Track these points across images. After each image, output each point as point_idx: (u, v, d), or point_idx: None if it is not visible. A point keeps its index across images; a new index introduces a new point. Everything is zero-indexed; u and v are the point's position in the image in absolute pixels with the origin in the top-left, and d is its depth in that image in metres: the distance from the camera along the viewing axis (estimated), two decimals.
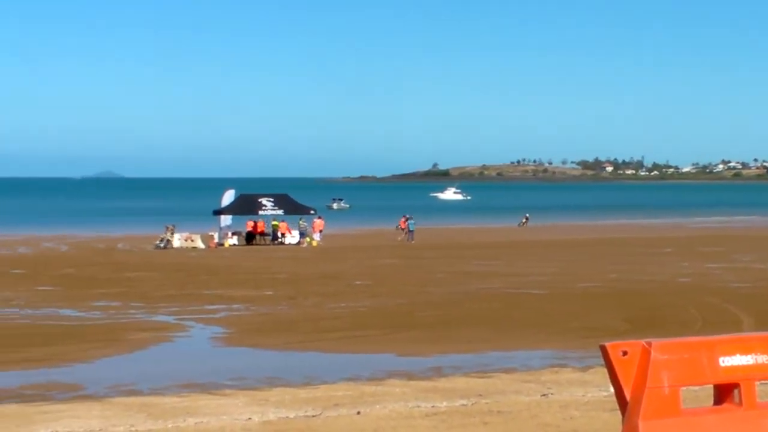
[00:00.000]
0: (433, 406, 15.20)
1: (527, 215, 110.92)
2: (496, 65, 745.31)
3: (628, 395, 9.47)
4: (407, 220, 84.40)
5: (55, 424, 14.70)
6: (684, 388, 9.67)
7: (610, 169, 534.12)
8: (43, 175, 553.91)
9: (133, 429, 13.92)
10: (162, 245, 70.60)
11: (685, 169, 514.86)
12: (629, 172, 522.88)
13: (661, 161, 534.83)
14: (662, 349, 9.50)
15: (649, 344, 9.49)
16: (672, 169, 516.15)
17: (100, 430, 14.02)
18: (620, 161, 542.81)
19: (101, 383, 22.09)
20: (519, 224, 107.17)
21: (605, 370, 9.96)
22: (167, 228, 73.54)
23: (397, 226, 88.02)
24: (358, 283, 44.63)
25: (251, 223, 78.02)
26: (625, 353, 9.47)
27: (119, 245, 73.56)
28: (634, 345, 9.56)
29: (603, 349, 9.58)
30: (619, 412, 9.74)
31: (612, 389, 9.96)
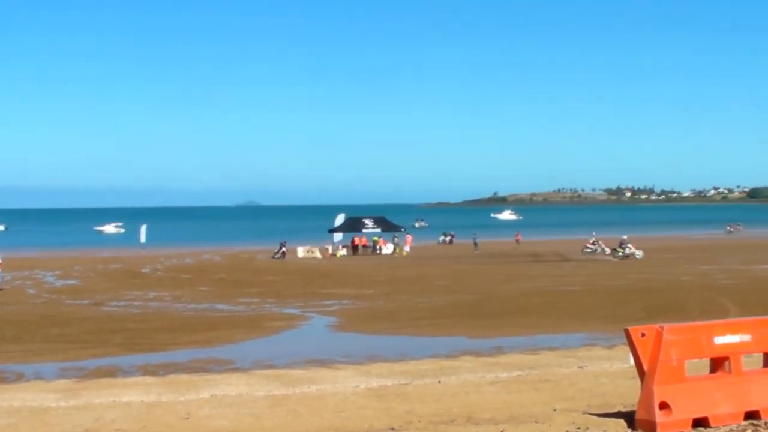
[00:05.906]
0: (496, 376, 15.14)
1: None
2: (544, 113, 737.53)
3: (645, 367, 9.53)
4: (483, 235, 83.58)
5: (214, 389, 14.87)
6: (688, 360, 9.71)
7: (629, 194, 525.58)
8: (208, 204, 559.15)
9: (270, 393, 14.02)
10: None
11: (685, 194, 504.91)
12: (643, 196, 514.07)
13: (667, 188, 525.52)
14: (671, 331, 9.56)
15: (662, 328, 9.55)
16: (675, 194, 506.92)
17: (246, 393, 14.14)
18: (636, 188, 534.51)
19: (246, 359, 22.32)
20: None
21: (627, 348, 9.91)
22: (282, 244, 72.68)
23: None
24: (438, 283, 44.52)
25: (356, 239, 78.36)
26: (643, 335, 9.55)
27: (258, 256, 74.08)
28: (650, 329, 9.62)
29: (626, 332, 9.68)
30: (638, 380, 9.76)
31: (632, 362, 9.94)
